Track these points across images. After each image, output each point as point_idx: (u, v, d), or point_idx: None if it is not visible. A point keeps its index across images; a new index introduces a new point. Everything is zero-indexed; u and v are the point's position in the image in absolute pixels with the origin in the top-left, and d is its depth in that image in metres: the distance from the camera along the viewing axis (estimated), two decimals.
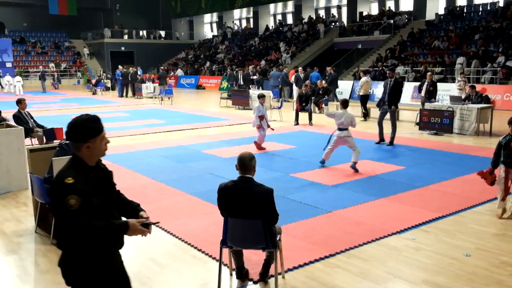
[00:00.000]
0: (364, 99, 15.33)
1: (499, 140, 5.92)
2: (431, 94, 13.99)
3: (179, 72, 36.23)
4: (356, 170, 8.14)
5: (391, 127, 10.58)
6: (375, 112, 16.24)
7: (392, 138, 10.58)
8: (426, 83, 14.18)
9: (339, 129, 8.28)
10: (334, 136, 8.41)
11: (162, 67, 27.02)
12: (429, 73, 14.78)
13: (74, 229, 2.42)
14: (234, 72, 24.47)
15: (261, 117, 9.82)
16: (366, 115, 15.28)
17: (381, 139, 10.82)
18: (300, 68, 20.74)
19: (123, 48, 42.00)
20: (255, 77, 23.15)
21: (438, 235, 5.26)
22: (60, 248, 2.58)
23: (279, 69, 24.71)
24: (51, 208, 2.59)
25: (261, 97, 10.18)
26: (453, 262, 4.59)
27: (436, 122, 12.03)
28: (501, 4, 25.63)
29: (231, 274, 4.37)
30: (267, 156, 9.56)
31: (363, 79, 15.65)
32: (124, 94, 25.88)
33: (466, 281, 4.19)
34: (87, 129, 2.51)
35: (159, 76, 25.94)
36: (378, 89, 21.77)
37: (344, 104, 8.43)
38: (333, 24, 33.69)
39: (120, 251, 5.00)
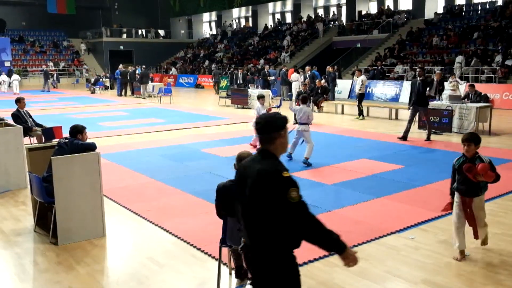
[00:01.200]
0: (361, 97, 15.33)
1: (453, 162, 4.78)
2: (440, 93, 14.10)
3: (173, 71, 36.15)
4: (309, 165, 8.58)
5: (427, 125, 11.14)
6: (373, 111, 16.28)
7: (428, 134, 11.08)
8: (435, 82, 14.20)
9: (299, 123, 8.87)
10: (294, 130, 8.93)
11: (143, 66, 26.76)
12: (438, 72, 14.87)
13: (296, 221, 2.51)
14: (220, 70, 24.46)
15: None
16: (362, 113, 15.26)
17: (404, 137, 11.05)
18: (308, 67, 20.71)
19: (121, 47, 41.93)
20: (272, 77, 22.49)
21: (437, 235, 5.26)
22: (255, 244, 2.61)
23: (280, 68, 24.67)
24: (242, 201, 2.62)
25: (260, 97, 10.26)
26: (452, 261, 4.59)
27: (435, 121, 12.02)
28: (500, 3, 25.63)
29: (230, 273, 4.36)
30: None
31: (362, 77, 15.63)
32: (123, 93, 25.83)
33: (465, 280, 4.19)
34: (280, 120, 2.71)
35: (142, 75, 25.60)
36: (377, 88, 21.81)
37: (303, 100, 9.05)
38: (332, 23, 33.67)
39: (118, 249, 5.00)
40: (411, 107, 11.16)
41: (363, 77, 15.66)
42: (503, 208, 6.15)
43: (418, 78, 11.19)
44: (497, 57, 20.05)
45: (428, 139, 11.02)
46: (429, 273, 4.34)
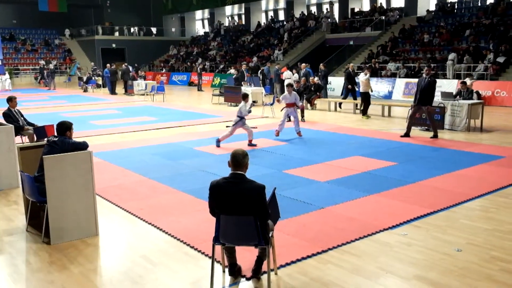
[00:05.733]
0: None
1: None
2: None
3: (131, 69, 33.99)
4: (254, 145, 10.13)
5: (431, 123, 11.25)
6: (372, 110, 16.31)
7: (435, 132, 11.15)
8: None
9: (238, 117, 10.19)
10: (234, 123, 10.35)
11: (125, 64, 27.27)
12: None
13: None
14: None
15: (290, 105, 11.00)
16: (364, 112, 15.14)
17: (407, 134, 11.15)
18: (303, 64, 20.68)
19: (114, 45, 41.74)
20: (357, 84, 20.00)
21: (429, 231, 5.29)
22: None
23: (277, 65, 24.68)
24: None
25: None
26: (444, 257, 4.62)
27: (427, 118, 12.06)
28: (491, 0, 25.77)
29: (223, 271, 4.36)
30: (260, 153, 9.56)
31: (368, 75, 15.29)
32: (113, 92, 25.67)
33: (457, 276, 4.22)
34: None
35: (123, 72, 26.14)
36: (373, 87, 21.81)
37: (243, 97, 10.43)
38: (324, 19, 33.66)
39: (111, 248, 4.98)
40: (415, 105, 11.15)
41: (368, 75, 15.38)
42: (494, 204, 6.20)
43: (425, 76, 11.04)
44: (489, 55, 20.16)
45: (435, 136, 11.02)
46: (422, 269, 4.37)
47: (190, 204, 6.37)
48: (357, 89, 16.72)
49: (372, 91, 15.44)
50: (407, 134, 11.13)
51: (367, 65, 18.38)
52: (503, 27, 21.82)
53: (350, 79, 17.17)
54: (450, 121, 12.16)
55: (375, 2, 32.67)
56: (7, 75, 30.00)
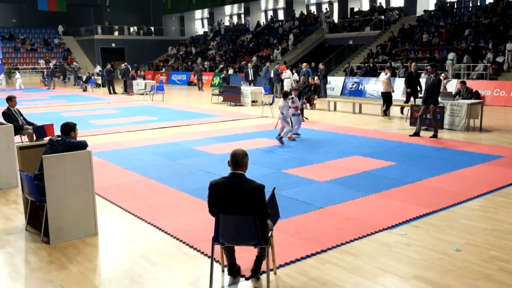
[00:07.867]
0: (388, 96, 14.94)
1: None
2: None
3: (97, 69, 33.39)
4: (282, 143, 10.28)
5: (433, 122, 11.24)
6: (366, 108, 16.34)
7: (435, 131, 11.14)
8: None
9: (281, 113, 10.57)
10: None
11: (124, 63, 27.75)
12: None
13: None
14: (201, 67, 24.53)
15: (296, 108, 11.06)
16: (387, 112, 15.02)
17: (416, 133, 11.25)
18: (304, 64, 20.73)
19: (113, 45, 41.72)
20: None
21: (428, 231, 5.30)
22: None
23: (276, 64, 24.76)
24: None
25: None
26: (443, 257, 4.63)
27: (426, 117, 12.07)
28: (491, 0, 25.80)
29: (223, 271, 4.37)
30: (259, 153, 9.56)
31: (389, 75, 15.04)
32: (112, 91, 25.67)
33: (455, 276, 4.23)
34: None
35: (122, 71, 26.78)
36: (369, 85, 21.87)
37: (284, 95, 10.74)
38: (324, 18, 33.68)
39: (111, 248, 4.99)
40: (423, 105, 11.23)
41: (389, 74, 14.90)
42: (493, 204, 6.21)
43: (430, 76, 11.10)
44: (488, 55, 20.18)
45: (434, 136, 11.03)
46: (421, 269, 4.37)
47: (190, 203, 6.37)
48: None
49: (393, 91, 15.26)
50: (416, 134, 11.24)
51: (387, 65, 17.98)
52: (502, 27, 21.84)
53: (411, 81, 14.63)
54: (450, 120, 12.16)
55: (374, 2, 32.66)
56: (18, 75, 30.95)
